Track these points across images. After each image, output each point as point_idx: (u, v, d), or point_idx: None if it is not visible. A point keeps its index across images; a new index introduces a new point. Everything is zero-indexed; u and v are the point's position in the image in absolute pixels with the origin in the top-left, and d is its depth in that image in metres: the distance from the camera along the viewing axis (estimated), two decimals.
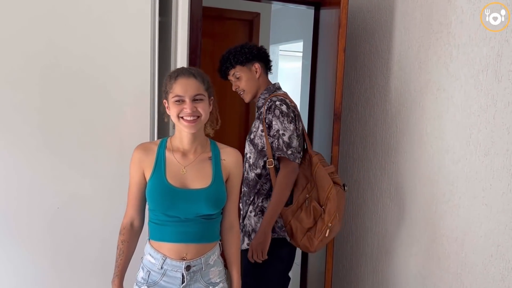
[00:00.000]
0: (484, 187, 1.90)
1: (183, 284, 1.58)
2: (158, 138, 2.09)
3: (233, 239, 1.72)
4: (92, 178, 1.98)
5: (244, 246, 2.12)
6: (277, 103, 2.04)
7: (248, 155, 2.17)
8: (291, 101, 2.12)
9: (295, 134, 2.05)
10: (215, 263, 1.65)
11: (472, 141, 1.95)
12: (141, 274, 1.62)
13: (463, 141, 1.98)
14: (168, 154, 1.60)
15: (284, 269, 2.21)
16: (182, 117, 1.53)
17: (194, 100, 1.53)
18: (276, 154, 2.01)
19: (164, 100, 1.60)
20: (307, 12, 2.99)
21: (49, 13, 1.85)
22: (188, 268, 1.57)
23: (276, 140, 2.01)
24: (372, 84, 2.54)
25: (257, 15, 3.72)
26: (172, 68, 2.06)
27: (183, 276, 1.57)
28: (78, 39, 1.90)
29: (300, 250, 2.27)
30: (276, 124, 2.02)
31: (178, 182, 1.57)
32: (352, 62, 2.68)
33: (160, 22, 2.02)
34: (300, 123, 2.14)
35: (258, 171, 2.10)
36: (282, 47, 5.96)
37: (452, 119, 2.04)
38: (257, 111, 2.20)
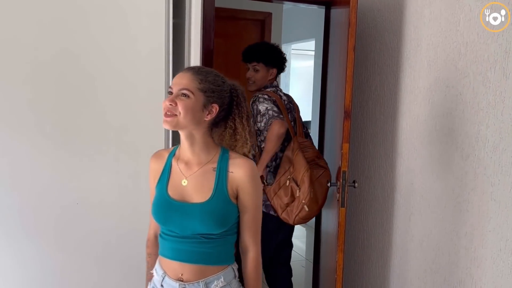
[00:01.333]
0: (493, 182, 1.93)
1: None
2: (173, 138, 2.16)
3: (246, 265, 1.48)
4: (108, 176, 2.06)
5: None
6: (259, 95, 2.54)
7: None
8: (273, 95, 2.55)
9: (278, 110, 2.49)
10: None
11: (480, 137, 1.97)
12: (155, 275, 1.51)
13: (472, 137, 2.01)
14: (173, 163, 1.46)
15: (272, 236, 2.62)
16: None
17: (181, 94, 1.33)
18: (270, 121, 2.42)
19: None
20: (319, 10, 3.03)
21: (66, 16, 1.94)
22: None
23: (265, 115, 2.44)
24: (382, 82, 2.58)
25: (269, 15, 3.78)
26: None
27: None
28: (95, 42, 1.98)
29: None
30: (263, 106, 2.48)
31: (178, 194, 1.43)
32: (362, 60, 2.72)
33: (173, 24, 2.09)
34: (290, 112, 2.60)
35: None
36: (294, 46, 6.00)
37: (461, 116, 2.07)
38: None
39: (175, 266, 1.43)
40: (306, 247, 4.31)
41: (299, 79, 7.34)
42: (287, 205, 2.41)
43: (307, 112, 4.61)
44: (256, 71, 2.58)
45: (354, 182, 2.41)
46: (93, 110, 2.02)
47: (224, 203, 1.40)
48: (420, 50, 2.30)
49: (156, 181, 1.47)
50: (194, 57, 2.11)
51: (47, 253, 2.02)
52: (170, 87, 1.36)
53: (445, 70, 2.15)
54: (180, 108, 1.32)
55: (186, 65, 2.14)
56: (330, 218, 2.67)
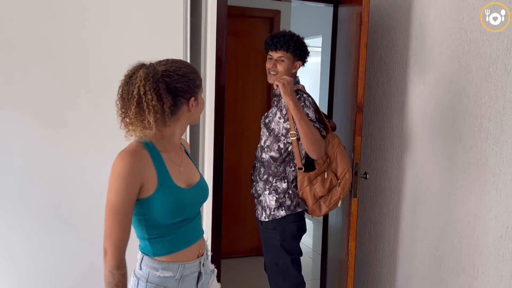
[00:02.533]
0: (495, 173, 2.03)
1: (200, 282, 1.52)
2: (190, 135, 2.27)
3: None
4: None
5: (263, 218, 2.38)
6: (305, 95, 2.34)
7: (261, 137, 2.44)
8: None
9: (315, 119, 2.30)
10: (207, 249, 1.61)
11: (483, 130, 2.07)
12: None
13: (475, 130, 2.11)
14: (164, 158, 1.42)
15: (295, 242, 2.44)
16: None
17: None
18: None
19: (192, 98, 1.40)
20: (326, 8, 3.12)
21: (87, 16, 2.05)
22: (203, 264, 1.53)
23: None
24: (389, 78, 2.67)
25: (278, 12, 3.86)
26: (202, 66, 2.24)
27: (199, 274, 1.51)
28: (113, 41, 2.09)
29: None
30: (307, 111, 2.27)
31: (183, 182, 1.45)
32: (370, 57, 2.82)
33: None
34: (317, 111, 2.38)
35: (273, 154, 2.34)
36: None
37: (464, 110, 2.16)
38: (274, 98, 2.45)
39: (194, 247, 1.50)
40: (313, 240, 4.42)
41: (306, 75, 7.41)
42: (321, 197, 2.33)
43: None
44: (282, 61, 2.33)
45: (365, 173, 2.53)
46: (112, 105, 2.13)
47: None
48: (425, 47, 2.40)
49: (153, 182, 1.36)
50: (210, 55, 2.20)
51: (81, 236, 2.14)
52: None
53: (449, 66, 2.24)
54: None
55: (202, 63, 2.24)
56: (338, 210, 2.77)
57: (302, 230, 2.43)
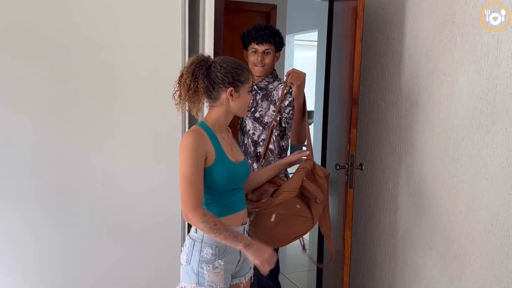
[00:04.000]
0: (486, 163, 2.09)
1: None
2: (189, 122, 2.32)
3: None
4: (131, 161, 2.23)
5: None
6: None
7: (251, 132, 2.43)
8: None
9: None
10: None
11: (474, 121, 2.13)
12: (209, 252, 1.66)
13: (467, 122, 2.17)
14: (218, 136, 1.70)
15: None
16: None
17: None
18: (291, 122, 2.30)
19: (231, 88, 1.65)
20: (321, 2, 3.16)
21: (89, 13, 2.09)
22: (246, 232, 1.78)
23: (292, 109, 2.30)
24: (384, 71, 2.72)
25: (274, 7, 3.91)
26: None
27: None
28: (112, 36, 2.14)
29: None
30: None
31: (234, 158, 1.73)
32: (364, 50, 2.86)
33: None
34: None
35: (270, 146, 2.39)
36: (297, 36, 6.11)
37: (457, 102, 2.22)
38: (260, 92, 2.45)
39: (240, 214, 1.75)
40: (310, 231, 4.47)
41: (302, 69, 7.46)
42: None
43: (309, 101, 4.75)
44: (268, 53, 2.39)
45: (361, 165, 2.58)
46: (115, 98, 2.18)
47: None
48: (419, 41, 2.45)
49: (212, 155, 1.64)
50: (208, 49, 2.25)
51: (83, 226, 2.20)
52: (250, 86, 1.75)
53: (442, 59, 2.29)
54: None
55: None
56: (335, 202, 2.83)
57: None
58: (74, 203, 2.17)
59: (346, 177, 2.52)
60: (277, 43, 2.40)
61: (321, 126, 3.31)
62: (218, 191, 1.68)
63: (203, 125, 1.69)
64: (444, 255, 2.33)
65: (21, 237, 2.11)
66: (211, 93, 1.67)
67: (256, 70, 2.41)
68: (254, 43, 2.39)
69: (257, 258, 1.63)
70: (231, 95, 1.67)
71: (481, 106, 2.09)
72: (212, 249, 1.66)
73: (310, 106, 4.86)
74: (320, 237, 3.23)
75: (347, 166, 2.52)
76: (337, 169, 2.63)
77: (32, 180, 2.09)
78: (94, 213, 2.20)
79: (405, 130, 2.57)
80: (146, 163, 2.26)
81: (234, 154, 1.75)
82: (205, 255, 1.66)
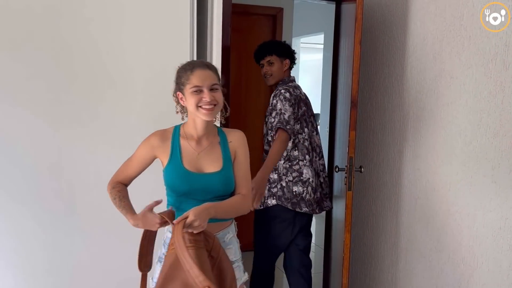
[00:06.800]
0: (493, 166, 2.08)
1: None
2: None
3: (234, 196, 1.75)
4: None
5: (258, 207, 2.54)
6: (282, 91, 2.53)
7: (264, 133, 2.66)
8: (296, 91, 2.60)
9: (293, 116, 2.50)
10: (231, 242, 1.75)
11: (482, 124, 2.13)
12: (162, 250, 1.72)
13: (474, 125, 2.16)
14: (182, 142, 1.69)
15: (288, 229, 2.59)
16: (200, 106, 1.61)
17: (211, 89, 1.62)
18: (276, 126, 2.45)
19: (178, 92, 1.68)
20: (328, 5, 3.17)
21: (99, 16, 2.11)
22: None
23: (278, 116, 2.46)
24: (390, 74, 2.73)
25: (280, 10, 3.91)
26: None
27: None
28: (121, 38, 2.16)
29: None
30: (279, 105, 2.49)
31: (194, 167, 1.67)
32: (371, 54, 2.87)
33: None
34: (300, 108, 2.58)
35: (266, 147, 2.60)
36: (303, 39, 6.12)
37: (464, 105, 2.22)
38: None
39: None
40: (316, 234, 4.48)
41: (308, 72, 7.48)
42: None
43: (316, 104, 4.76)
44: (271, 64, 2.63)
45: (360, 167, 2.59)
46: (122, 100, 2.19)
47: (231, 167, 1.73)
48: (426, 44, 2.45)
49: (165, 158, 1.68)
50: (216, 52, 2.26)
51: (89, 223, 2.21)
52: (197, 86, 1.61)
53: (450, 62, 2.29)
54: (217, 99, 1.64)
55: (208, 60, 2.30)
56: (340, 206, 2.82)
57: (296, 220, 2.57)
58: (76, 203, 2.19)
59: (346, 179, 2.53)
60: (278, 51, 2.62)
61: (327, 129, 3.32)
62: (172, 194, 1.70)
63: (176, 128, 1.74)
64: (452, 258, 2.32)
65: (27, 238, 2.13)
66: (178, 101, 1.71)
67: (267, 80, 2.69)
68: (259, 59, 2.69)
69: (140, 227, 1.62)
70: (181, 98, 1.68)
71: (489, 109, 2.09)
72: (164, 249, 1.72)
73: (316, 109, 4.86)
74: (327, 240, 3.23)
75: (346, 169, 2.53)
76: (336, 171, 2.67)
77: (35, 181, 2.11)
78: (97, 213, 2.21)
79: (412, 133, 2.57)
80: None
81: (198, 164, 1.68)
82: (159, 252, 1.74)
